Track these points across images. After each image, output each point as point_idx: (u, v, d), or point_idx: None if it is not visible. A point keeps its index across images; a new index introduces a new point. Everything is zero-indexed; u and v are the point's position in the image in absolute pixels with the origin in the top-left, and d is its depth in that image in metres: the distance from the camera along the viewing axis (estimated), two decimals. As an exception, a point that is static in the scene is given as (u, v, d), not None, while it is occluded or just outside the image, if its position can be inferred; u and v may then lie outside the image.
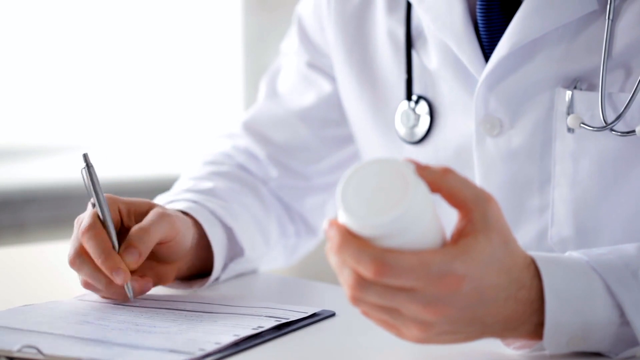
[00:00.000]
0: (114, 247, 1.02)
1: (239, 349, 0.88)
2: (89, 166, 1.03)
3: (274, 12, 3.45)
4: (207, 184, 1.23)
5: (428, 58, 1.15)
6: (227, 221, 1.17)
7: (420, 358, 0.86)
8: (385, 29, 1.19)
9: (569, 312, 0.80)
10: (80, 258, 1.01)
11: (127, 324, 0.95)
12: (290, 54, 1.33)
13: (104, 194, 1.04)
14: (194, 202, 1.16)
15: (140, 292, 1.04)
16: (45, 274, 1.33)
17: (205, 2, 3.47)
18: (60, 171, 3.15)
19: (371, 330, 0.91)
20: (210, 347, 0.86)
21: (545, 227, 1.08)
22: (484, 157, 1.10)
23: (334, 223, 0.76)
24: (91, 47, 3.28)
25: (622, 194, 1.04)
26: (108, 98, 3.36)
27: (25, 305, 1.00)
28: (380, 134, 1.21)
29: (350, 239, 0.75)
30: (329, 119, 1.29)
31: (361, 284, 0.76)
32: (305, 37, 1.30)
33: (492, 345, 0.86)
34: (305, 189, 1.32)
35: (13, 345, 0.84)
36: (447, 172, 0.77)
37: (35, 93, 3.22)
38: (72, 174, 3.11)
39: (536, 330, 0.82)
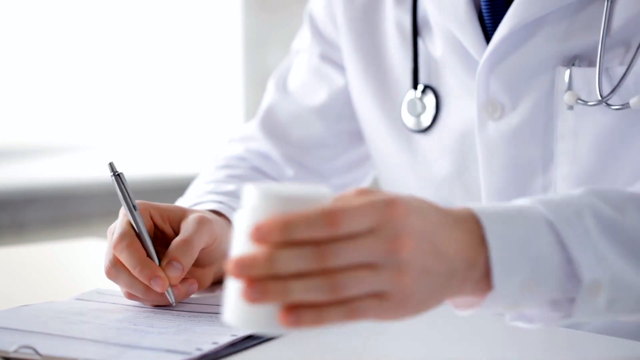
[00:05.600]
0: (149, 255, 1.00)
1: (237, 349, 0.88)
2: (115, 174, 1.01)
3: (274, 12, 3.45)
4: (229, 187, 1.22)
5: (433, 46, 1.16)
6: None
7: (420, 358, 0.86)
8: (393, 20, 1.21)
9: (515, 252, 0.76)
10: (115, 268, 1.00)
11: (125, 323, 0.95)
12: (301, 51, 1.34)
13: (135, 201, 1.01)
14: (220, 202, 1.15)
15: (184, 296, 1.02)
16: (45, 274, 1.33)
17: (205, 2, 3.47)
18: (60, 171, 3.15)
19: (370, 331, 0.91)
20: (208, 347, 0.86)
21: None
22: (487, 141, 1.11)
23: (257, 231, 0.68)
24: (91, 46, 3.29)
25: (620, 169, 1.05)
26: (107, 97, 3.36)
27: (23, 305, 1.00)
28: (387, 124, 1.22)
29: (288, 216, 0.68)
30: (343, 113, 1.30)
31: (325, 250, 0.68)
32: (317, 32, 1.31)
33: (493, 346, 0.86)
34: None
35: (10, 345, 0.84)
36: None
37: (35, 93, 3.22)
38: (72, 174, 3.12)
39: (485, 281, 0.76)
